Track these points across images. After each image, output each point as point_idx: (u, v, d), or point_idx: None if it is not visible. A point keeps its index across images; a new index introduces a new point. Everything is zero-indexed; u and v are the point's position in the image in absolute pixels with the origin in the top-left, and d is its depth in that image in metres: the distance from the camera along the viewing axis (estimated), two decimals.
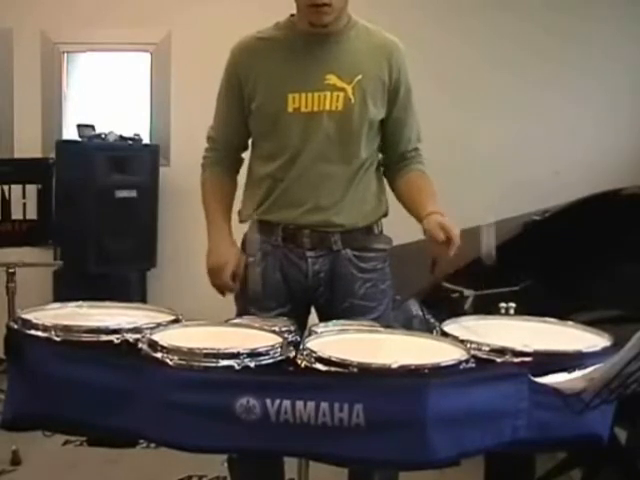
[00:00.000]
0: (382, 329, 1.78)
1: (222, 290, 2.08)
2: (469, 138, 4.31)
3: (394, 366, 1.39)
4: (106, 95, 4.62)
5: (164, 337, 1.53)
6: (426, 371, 1.41)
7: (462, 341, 1.58)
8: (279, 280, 2.09)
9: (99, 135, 4.24)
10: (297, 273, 2.08)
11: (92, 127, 4.27)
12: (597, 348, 1.54)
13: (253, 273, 2.02)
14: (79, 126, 4.29)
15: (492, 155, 4.34)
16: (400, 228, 2.20)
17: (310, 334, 1.66)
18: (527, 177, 4.25)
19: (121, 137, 4.30)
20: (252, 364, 1.45)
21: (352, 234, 2.08)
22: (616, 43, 4.38)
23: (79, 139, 4.26)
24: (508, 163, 4.35)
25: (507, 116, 4.38)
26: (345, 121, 2.02)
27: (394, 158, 2.18)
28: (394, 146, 2.16)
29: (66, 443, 3.29)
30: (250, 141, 2.18)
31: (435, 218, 1.95)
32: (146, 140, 4.46)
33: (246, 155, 2.22)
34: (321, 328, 1.73)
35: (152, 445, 2.52)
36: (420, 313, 2.27)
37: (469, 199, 3.98)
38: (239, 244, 2.13)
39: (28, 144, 4.42)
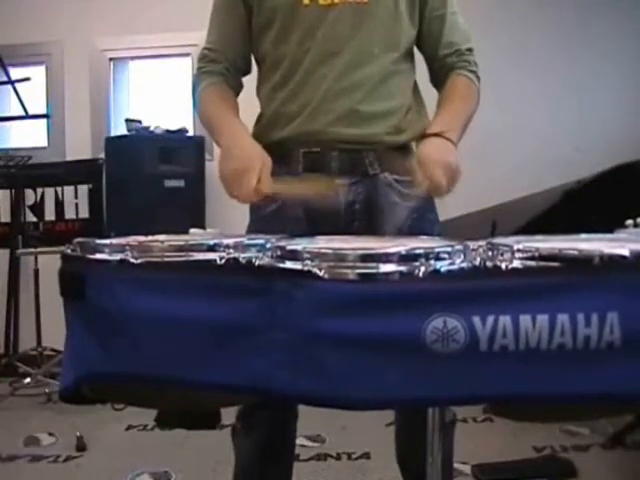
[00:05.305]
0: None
1: (244, 200, 1.31)
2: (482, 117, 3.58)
3: None
4: (151, 96, 4.09)
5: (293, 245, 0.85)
6: None
7: None
8: (300, 218, 1.38)
9: (146, 128, 3.69)
10: (325, 207, 1.36)
11: (139, 121, 3.74)
12: None
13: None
14: (127, 120, 3.75)
15: (505, 134, 3.61)
16: None
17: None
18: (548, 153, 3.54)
19: (167, 131, 3.73)
20: (440, 267, 0.77)
21: (389, 154, 1.39)
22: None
23: (127, 133, 3.69)
24: (524, 141, 3.64)
25: (519, 94, 3.66)
26: (369, 12, 1.35)
27: (437, 64, 1.47)
28: (434, 50, 1.46)
29: (129, 428, 2.79)
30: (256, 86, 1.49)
31: (422, 149, 1.28)
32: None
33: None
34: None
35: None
36: None
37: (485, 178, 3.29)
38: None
39: (78, 146, 3.92)
